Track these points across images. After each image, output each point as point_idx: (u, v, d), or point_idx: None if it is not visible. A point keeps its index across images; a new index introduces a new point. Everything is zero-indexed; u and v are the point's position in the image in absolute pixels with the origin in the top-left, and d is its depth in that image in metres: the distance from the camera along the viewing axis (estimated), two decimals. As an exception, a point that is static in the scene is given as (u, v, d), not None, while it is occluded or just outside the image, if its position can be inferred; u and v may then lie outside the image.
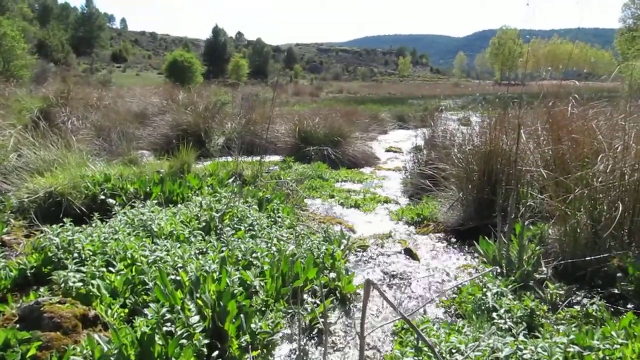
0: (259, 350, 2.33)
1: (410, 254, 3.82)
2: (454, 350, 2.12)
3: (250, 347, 2.26)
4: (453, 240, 4.20)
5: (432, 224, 4.58)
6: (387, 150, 10.20)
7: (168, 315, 2.14)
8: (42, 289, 2.49)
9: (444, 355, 2.10)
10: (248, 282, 2.69)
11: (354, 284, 3.08)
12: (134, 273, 2.69)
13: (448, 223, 4.41)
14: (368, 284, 1.33)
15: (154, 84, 24.73)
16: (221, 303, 2.28)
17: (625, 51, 37.49)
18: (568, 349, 1.93)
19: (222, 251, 3.11)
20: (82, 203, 4.32)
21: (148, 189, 4.71)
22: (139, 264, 2.80)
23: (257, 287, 2.72)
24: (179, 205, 4.31)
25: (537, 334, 2.34)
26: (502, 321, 2.43)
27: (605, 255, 2.97)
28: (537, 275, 3.01)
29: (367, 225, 4.70)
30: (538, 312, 2.55)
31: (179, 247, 3.03)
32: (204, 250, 3.19)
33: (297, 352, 2.37)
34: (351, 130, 9.27)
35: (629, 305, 2.70)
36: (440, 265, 3.64)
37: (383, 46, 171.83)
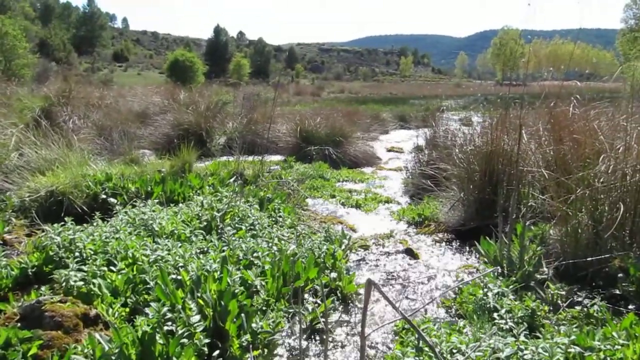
0: (260, 350, 2.33)
1: (411, 254, 3.82)
2: (454, 351, 2.12)
3: (251, 346, 2.26)
4: (454, 240, 4.20)
5: (433, 224, 4.57)
6: (389, 150, 10.20)
7: (169, 315, 2.14)
8: (43, 288, 2.49)
9: (444, 355, 2.09)
10: (249, 282, 2.69)
11: (355, 283, 3.09)
12: (135, 272, 2.69)
13: (449, 223, 4.41)
14: (369, 284, 1.33)
15: (156, 83, 24.77)
16: (222, 302, 2.28)
17: (627, 52, 37.43)
18: (569, 350, 1.93)
19: (223, 250, 3.11)
20: (83, 202, 4.33)
21: (149, 188, 4.71)
22: (140, 263, 2.80)
23: (258, 287, 2.72)
24: (180, 205, 4.31)
25: (538, 334, 2.34)
26: (503, 321, 2.42)
27: (606, 256, 2.97)
28: (538, 276, 3.00)
29: (368, 225, 4.70)
30: (539, 313, 2.54)
31: (180, 247, 3.03)
32: (205, 249, 3.19)
33: (298, 352, 2.37)
34: (352, 130, 9.27)
35: (630, 306, 2.70)
36: (441, 265, 3.63)
37: (385, 46, 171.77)
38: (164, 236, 3.37)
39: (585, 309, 2.58)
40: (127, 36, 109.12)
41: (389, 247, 4.02)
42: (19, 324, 2.03)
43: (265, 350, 2.35)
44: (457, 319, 2.73)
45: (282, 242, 3.50)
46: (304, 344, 2.48)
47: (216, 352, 2.15)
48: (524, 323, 2.41)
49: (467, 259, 3.78)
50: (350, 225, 4.64)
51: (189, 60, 39.66)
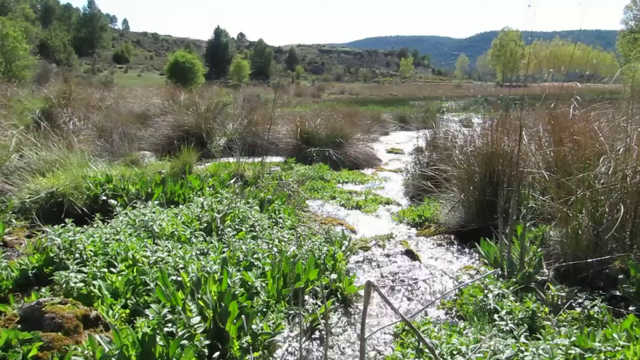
0: (260, 351, 2.32)
1: (411, 255, 3.82)
2: (455, 352, 2.12)
3: (251, 348, 2.26)
4: (454, 241, 4.20)
5: (434, 225, 4.57)
6: (389, 152, 10.20)
7: (169, 316, 2.14)
8: (43, 290, 2.49)
9: (445, 357, 2.09)
10: (249, 283, 2.69)
11: (355, 285, 3.08)
12: (135, 274, 2.69)
13: (449, 224, 4.41)
14: (369, 286, 1.33)
15: (156, 84, 24.80)
16: (222, 304, 2.28)
17: (627, 53, 37.45)
18: (569, 351, 1.93)
19: (224, 252, 3.11)
20: (83, 204, 4.33)
21: (149, 190, 4.72)
22: (140, 264, 2.81)
23: (259, 288, 2.72)
24: (181, 206, 4.31)
25: (538, 335, 2.33)
26: (504, 323, 2.42)
27: (607, 257, 2.97)
28: (538, 277, 3.00)
29: (368, 226, 4.70)
30: (539, 314, 2.54)
31: (180, 248, 3.03)
32: (205, 251, 3.19)
33: (298, 353, 2.37)
34: (353, 131, 9.27)
35: (631, 308, 2.69)
36: (441, 266, 3.63)
37: (385, 47, 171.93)
38: (164, 237, 3.37)
39: (585, 311, 2.58)
40: (127, 38, 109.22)
41: (389, 248, 4.02)
42: (19, 326, 2.03)
43: (266, 351, 2.35)
44: (457, 320, 2.73)
45: (283, 243, 3.50)
46: (305, 345, 2.48)
47: (216, 354, 2.15)
48: (525, 324, 2.41)
49: (468, 260, 3.78)
50: (351, 227, 4.64)
51: (189, 62, 39.65)
